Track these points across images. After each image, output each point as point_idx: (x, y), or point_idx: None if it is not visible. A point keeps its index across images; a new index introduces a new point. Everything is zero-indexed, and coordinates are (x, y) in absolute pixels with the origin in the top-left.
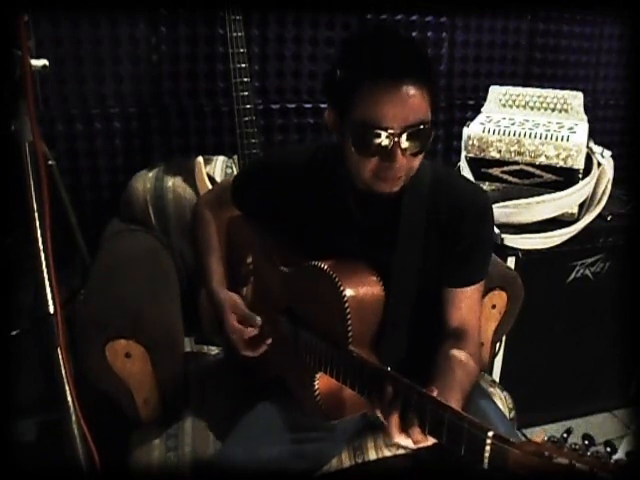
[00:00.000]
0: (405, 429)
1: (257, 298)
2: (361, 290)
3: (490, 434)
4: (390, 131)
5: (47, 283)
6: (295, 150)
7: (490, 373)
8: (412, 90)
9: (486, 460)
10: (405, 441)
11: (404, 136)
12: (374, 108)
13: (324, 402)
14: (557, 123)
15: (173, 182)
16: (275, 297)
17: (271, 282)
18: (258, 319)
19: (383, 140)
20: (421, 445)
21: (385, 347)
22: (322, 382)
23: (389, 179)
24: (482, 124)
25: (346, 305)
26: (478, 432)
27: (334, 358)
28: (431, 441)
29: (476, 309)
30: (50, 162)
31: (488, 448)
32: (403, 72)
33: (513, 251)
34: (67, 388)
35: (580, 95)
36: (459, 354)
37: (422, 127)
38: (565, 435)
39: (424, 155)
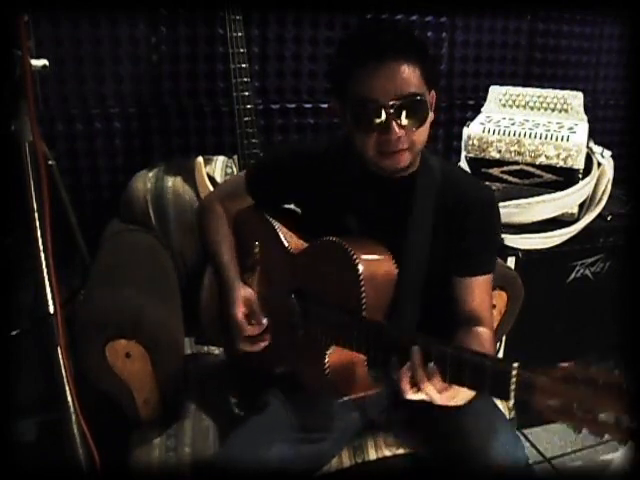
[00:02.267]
0: (428, 379)
1: (262, 287)
2: (375, 264)
3: (515, 365)
4: (384, 103)
5: (47, 283)
6: (311, 141)
7: None
8: (402, 66)
9: (512, 393)
10: (417, 396)
11: (398, 108)
12: (366, 84)
13: (334, 376)
14: (557, 123)
15: (173, 182)
16: (283, 281)
17: (280, 268)
18: (264, 320)
19: (378, 113)
20: (444, 394)
21: (395, 324)
22: (332, 358)
23: (390, 153)
24: (482, 124)
25: (360, 277)
26: (502, 366)
27: (349, 326)
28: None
29: (488, 299)
30: (50, 162)
31: (514, 380)
32: (392, 52)
33: (513, 251)
34: (67, 388)
35: (580, 95)
36: (476, 332)
37: (416, 99)
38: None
39: (428, 131)
